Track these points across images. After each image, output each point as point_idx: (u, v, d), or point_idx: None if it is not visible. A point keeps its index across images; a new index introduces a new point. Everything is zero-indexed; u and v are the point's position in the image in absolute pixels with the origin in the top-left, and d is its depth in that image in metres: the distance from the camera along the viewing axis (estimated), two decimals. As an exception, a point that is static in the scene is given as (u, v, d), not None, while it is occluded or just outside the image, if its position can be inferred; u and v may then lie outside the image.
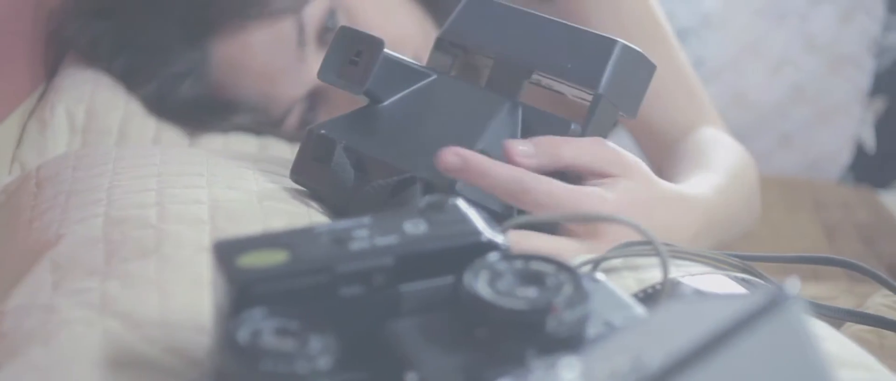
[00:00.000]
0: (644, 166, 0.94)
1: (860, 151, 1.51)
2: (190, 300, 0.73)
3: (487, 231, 0.69)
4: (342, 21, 1.13)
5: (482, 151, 0.88)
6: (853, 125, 1.49)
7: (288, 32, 1.13)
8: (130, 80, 1.18)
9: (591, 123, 0.92)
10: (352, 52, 0.93)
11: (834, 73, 1.48)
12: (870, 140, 1.50)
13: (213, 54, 1.14)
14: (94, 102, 1.18)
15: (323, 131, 0.94)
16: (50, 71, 1.25)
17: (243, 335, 0.62)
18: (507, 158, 0.86)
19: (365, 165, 0.93)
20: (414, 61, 0.99)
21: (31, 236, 0.85)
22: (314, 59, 1.13)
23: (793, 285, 0.55)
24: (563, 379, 0.53)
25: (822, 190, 1.41)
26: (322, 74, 0.94)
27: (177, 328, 0.71)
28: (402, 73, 0.96)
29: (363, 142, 0.94)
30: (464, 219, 0.70)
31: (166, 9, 1.14)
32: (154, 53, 1.15)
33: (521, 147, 0.87)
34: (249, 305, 0.64)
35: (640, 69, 0.95)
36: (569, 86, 0.95)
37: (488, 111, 0.93)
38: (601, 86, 0.92)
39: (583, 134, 0.92)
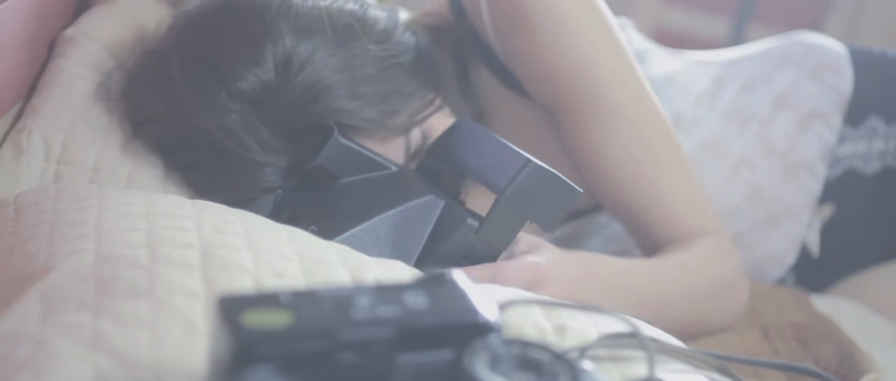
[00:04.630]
0: None
1: (804, 254, 1.54)
2: (181, 346, 0.73)
3: (484, 310, 0.70)
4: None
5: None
6: (800, 229, 1.52)
7: (397, 147, 1.20)
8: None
9: (490, 219, 1.08)
10: None
11: (789, 178, 1.51)
12: (815, 245, 1.53)
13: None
14: (71, 133, 1.17)
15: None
16: (26, 91, 1.24)
17: (249, 391, 0.62)
18: None
19: None
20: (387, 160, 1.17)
21: (12, 263, 0.84)
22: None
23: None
24: None
25: (758, 293, 1.43)
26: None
27: (167, 372, 0.71)
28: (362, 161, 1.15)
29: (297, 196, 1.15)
30: (462, 296, 0.71)
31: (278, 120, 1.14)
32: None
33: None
34: (251, 363, 0.64)
35: (555, 189, 1.09)
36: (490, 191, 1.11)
37: (407, 196, 1.12)
38: (501, 191, 1.08)
39: (479, 228, 1.08)
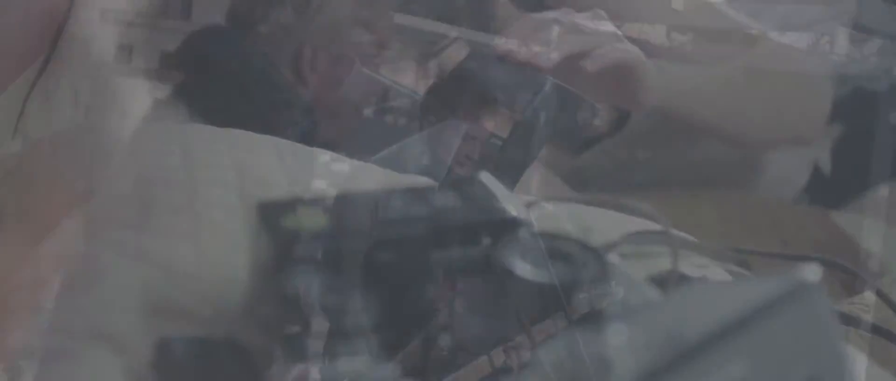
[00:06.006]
0: None
1: (816, 173, 1.56)
2: (223, 256, 0.76)
3: (512, 207, 0.73)
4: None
5: None
6: (811, 149, 1.54)
7: (415, 78, 1.20)
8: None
9: (512, 139, 1.07)
10: None
11: (798, 97, 1.53)
12: (826, 164, 1.55)
13: None
14: (97, 80, 1.19)
15: None
16: (51, 41, 1.26)
17: (293, 288, 0.65)
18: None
19: None
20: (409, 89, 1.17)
21: (55, 191, 0.87)
22: None
23: (813, 272, 0.58)
24: (611, 344, 0.57)
25: (778, 210, 1.45)
26: None
27: (211, 281, 0.74)
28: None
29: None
30: (491, 195, 0.74)
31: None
32: None
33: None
34: (293, 262, 0.67)
35: (575, 107, 1.10)
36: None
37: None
38: (522, 111, 1.07)
39: (502, 147, 1.07)
